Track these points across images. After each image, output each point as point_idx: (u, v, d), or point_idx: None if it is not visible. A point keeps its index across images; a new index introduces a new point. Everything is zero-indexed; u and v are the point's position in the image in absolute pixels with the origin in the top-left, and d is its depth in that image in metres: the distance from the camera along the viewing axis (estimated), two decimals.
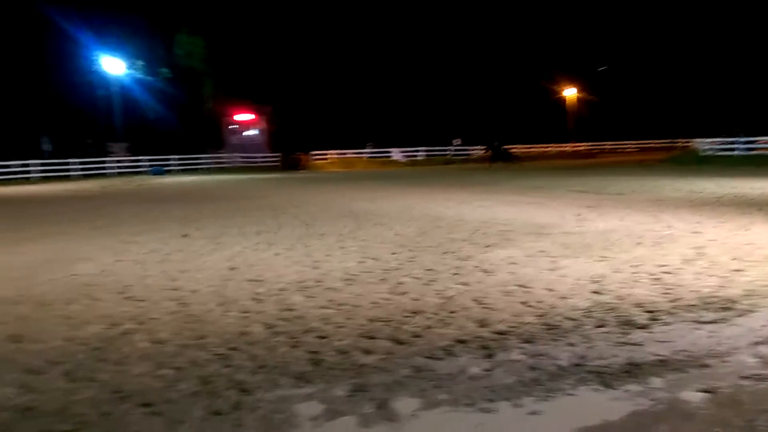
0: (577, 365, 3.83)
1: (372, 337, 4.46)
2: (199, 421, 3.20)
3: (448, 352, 4.14)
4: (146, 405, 3.41)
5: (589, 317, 4.83)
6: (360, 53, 48.21)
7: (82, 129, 41.06)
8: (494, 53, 52.35)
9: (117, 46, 38.33)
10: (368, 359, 4.03)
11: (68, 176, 32.30)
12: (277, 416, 3.24)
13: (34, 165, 31.92)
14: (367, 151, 46.22)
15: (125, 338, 4.63)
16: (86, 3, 36.65)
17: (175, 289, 6.20)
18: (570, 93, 55.13)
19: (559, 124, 54.74)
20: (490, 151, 35.95)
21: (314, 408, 3.34)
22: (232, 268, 7.19)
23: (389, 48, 49.33)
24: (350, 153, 45.87)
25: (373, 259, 7.50)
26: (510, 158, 35.33)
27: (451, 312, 5.07)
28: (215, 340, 4.55)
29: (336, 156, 45.46)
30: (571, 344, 4.22)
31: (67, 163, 33.04)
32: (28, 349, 4.49)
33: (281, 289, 6.07)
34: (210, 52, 41.44)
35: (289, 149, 42.06)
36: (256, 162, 43.07)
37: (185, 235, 10.04)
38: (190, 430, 3.12)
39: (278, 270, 7.03)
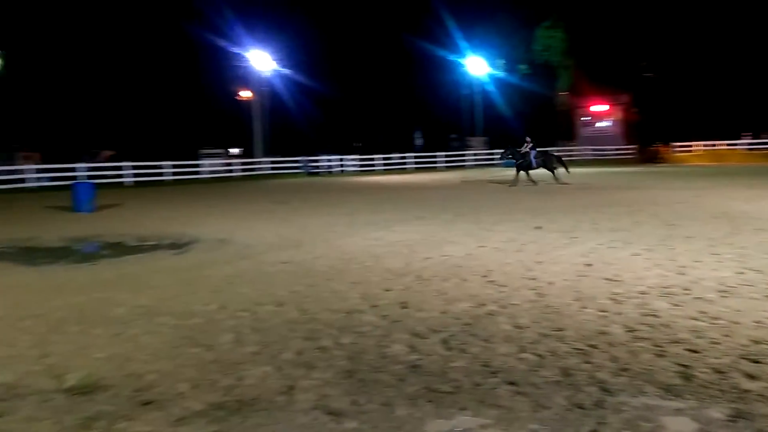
0: None
1: (757, 361, 3.89)
2: (562, 410, 3.33)
3: None
4: (512, 384, 3.70)
5: None
6: (733, 30, 41.14)
7: (448, 125, 45.82)
8: None
9: (481, 47, 41.41)
10: (752, 385, 3.54)
11: (435, 167, 36.47)
12: (643, 424, 3.14)
13: (410, 157, 37.00)
14: (743, 143, 39.56)
15: (490, 319, 5.09)
16: (458, 7, 40.52)
17: (532, 279, 6.49)
18: None
19: None
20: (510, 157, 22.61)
21: (686, 425, 3.12)
22: (587, 264, 7.14)
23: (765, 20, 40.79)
24: (721, 144, 39.96)
25: (755, 270, 6.47)
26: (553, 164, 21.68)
27: None
28: (573, 335, 4.62)
29: (703, 148, 40.21)
30: None
31: (435, 156, 37.31)
32: (412, 315, 5.32)
33: (642, 293, 5.77)
34: (568, 44, 41.20)
35: (646, 140, 38.99)
36: (608, 154, 41.26)
37: (539, 227, 10.35)
38: (554, 416, 3.27)
39: (637, 271, 6.68)
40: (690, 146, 40.65)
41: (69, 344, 4.67)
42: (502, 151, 24.95)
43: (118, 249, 9.55)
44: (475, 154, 39.53)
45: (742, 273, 6.37)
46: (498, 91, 43.95)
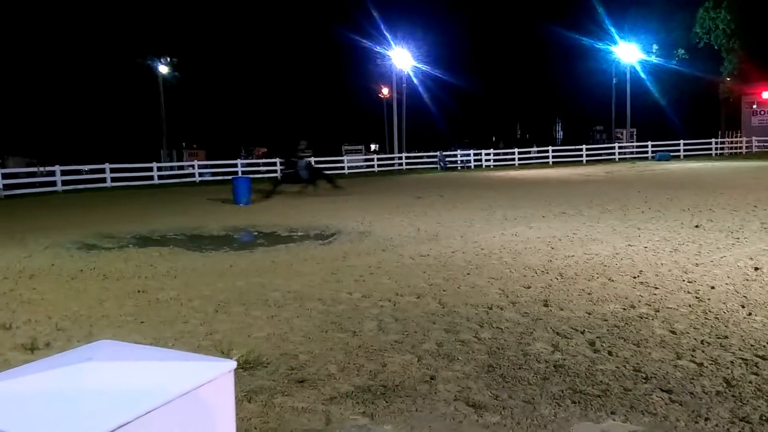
0: None
1: None
2: (725, 423, 3.07)
3: None
4: (667, 391, 3.48)
5: None
6: None
7: (592, 116, 43.50)
8: None
9: (632, 33, 38.67)
10: None
11: (577, 161, 34.83)
12: None
13: (550, 151, 35.66)
14: None
15: (642, 322, 4.80)
16: None
17: (690, 282, 6.00)
18: None
19: None
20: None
21: None
22: (755, 268, 6.45)
23: None
24: None
25: None
26: (314, 178, 19.08)
27: None
28: (739, 343, 4.23)
29: None
30: None
31: (578, 149, 35.62)
32: (555, 314, 5.17)
33: None
34: (735, 24, 36.97)
35: None
36: None
37: (697, 226, 9.53)
38: (715, 429, 3.03)
39: None
40: None
41: (232, 323, 5.17)
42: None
43: (272, 238, 10.33)
44: (622, 147, 37.12)
45: None
46: (650, 79, 40.76)
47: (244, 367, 4.05)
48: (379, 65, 40.53)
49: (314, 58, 49.78)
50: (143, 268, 7.84)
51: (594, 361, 4.02)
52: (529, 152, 36.12)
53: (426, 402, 3.49)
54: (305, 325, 5.03)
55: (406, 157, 34.99)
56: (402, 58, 38.45)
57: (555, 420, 3.21)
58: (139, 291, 6.45)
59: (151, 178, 26.56)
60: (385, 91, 43.79)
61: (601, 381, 3.69)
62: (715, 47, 38.49)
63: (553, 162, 34.90)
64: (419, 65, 40.21)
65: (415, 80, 41.75)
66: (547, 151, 35.75)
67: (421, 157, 35.41)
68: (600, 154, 35.94)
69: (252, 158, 35.49)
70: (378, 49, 38.79)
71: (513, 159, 35.10)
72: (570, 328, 4.73)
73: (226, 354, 4.19)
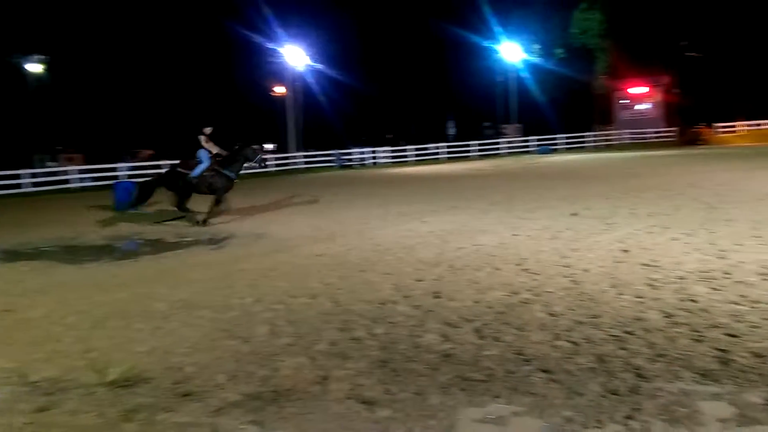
0: None
1: None
2: (597, 397, 3.30)
3: None
4: (546, 371, 3.68)
5: None
6: None
7: (481, 113, 45.33)
8: None
9: (515, 32, 40.71)
10: None
11: (468, 156, 36.16)
12: (679, 409, 3.09)
13: (443, 147, 36.78)
14: None
15: (524, 307, 5.06)
16: None
17: (567, 266, 6.40)
18: None
19: None
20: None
21: (723, 410, 3.06)
22: (624, 251, 7.01)
23: None
24: (766, 124, 38.50)
25: None
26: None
27: None
28: (609, 321, 4.56)
29: (747, 128, 38.86)
30: None
31: (468, 145, 36.98)
32: (445, 305, 5.32)
33: (680, 278, 5.64)
34: (606, 25, 40.05)
35: (688, 122, 37.83)
36: (648, 138, 40.22)
37: (574, 214, 10.19)
38: (588, 403, 3.24)
39: (676, 256, 6.54)
40: (733, 127, 39.32)
41: (111, 339, 4.84)
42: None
43: (158, 245, 9.80)
44: (509, 142, 39.04)
45: None
46: (533, 77, 43.16)
47: (123, 386, 3.80)
48: (272, 63, 39.74)
49: (202, 55, 47.91)
50: (11, 284, 7.14)
51: (480, 348, 4.18)
52: (424, 149, 36.98)
53: (318, 403, 3.46)
54: (193, 335, 4.81)
55: (304, 156, 34.61)
56: (296, 57, 37.98)
57: (443, 408, 3.29)
58: (5, 310, 5.87)
59: (19, 186, 24.35)
60: (279, 89, 43.04)
61: (486, 366, 3.84)
62: (590, 47, 41.49)
63: (446, 158, 35.98)
64: (313, 64, 39.91)
65: (310, 79, 41.41)
66: (440, 148, 36.80)
67: (319, 156, 35.20)
68: (489, 149, 37.54)
69: (137, 161, 33.54)
70: (270, 46, 38.04)
71: (408, 156, 35.78)
72: (459, 318, 4.88)
73: (101, 373, 3.90)
